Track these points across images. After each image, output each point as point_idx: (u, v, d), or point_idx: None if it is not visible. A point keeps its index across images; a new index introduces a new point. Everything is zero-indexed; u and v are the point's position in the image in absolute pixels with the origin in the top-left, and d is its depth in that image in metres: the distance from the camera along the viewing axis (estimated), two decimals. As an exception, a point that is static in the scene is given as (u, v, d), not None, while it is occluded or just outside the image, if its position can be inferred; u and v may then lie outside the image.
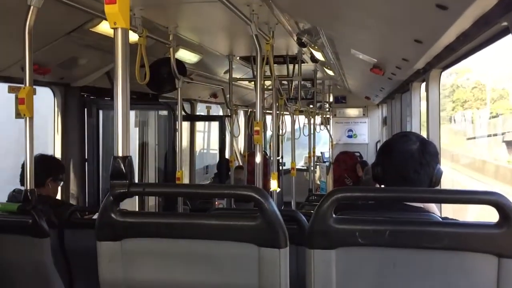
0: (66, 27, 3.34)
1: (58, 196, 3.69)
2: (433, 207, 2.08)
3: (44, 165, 3.22)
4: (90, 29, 3.38)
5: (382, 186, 2.04)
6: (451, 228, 1.51)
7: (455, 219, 1.91)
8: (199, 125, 8.50)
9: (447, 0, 1.90)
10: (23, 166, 2.53)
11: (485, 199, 1.53)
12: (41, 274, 2.28)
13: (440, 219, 1.84)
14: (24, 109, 2.39)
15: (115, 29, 1.57)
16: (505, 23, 1.80)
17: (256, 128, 3.42)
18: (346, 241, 1.53)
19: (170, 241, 1.59)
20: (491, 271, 1.46)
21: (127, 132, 1.63)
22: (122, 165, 1.59)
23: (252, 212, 1.57)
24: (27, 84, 2.39)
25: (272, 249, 1.53)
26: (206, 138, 9.99)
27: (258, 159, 3.42)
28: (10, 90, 3.64)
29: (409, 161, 1.90)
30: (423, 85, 4.08)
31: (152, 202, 5.46)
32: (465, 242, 1.47)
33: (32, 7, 2.35)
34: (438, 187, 2.01)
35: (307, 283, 1.58)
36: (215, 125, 7.40)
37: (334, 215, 1.55)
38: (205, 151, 9.73)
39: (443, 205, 3.26)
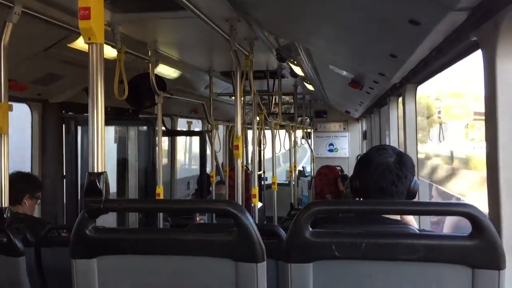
0: (43, 43, 3.32)
1: (36, 214, 3.63)
2: (411, 219, 2.10)
3: (21, 182, 3.17)
4: (68, 45, 3.37)
5: (361, 199, 2.06)
6: (425, 240, 1.53)
7: (432, 231, 1.93)
8: (180, 140, 8.48)
9: (419, 16, 1.95)
10: None
11: (458, 211, 1.55)
12: (16, 294, 2.23)
13: (417, 231, 1.86)
14: (-2, 125, 2.35)
15: (89, 44, 1.58)
16: (475, 38, 1.85)
17: (235, 143, 3.43)
18: (323, 254, 1.54)
19: (146, 258, 1.57)
20: (465, 282, 1.48)
21: (103, 148, 1.62)
22: (97, 181, 1.58)
23: (230, 227, 1.56)
24: (3, 101, 2.37)
25: (249, 263, 1.52)
26: (187, 153, 9.96)
27: (238, 174, 3.42)
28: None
29: (386, 174, 1.91)
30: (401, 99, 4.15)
31: (132, 219, 5.41)
32: (440, 254, 1.49)
33: (7, 23, 2.34)
34: (415, 199, 2.03)
35: None
36: (196, 140, 7.39)
37: (310, 229, 1.56)
38: (186, 166, 9.69)
39: (422, 217, 3.29)
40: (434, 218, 3.63)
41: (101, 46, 1.58)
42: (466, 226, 1.54)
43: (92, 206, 1.56)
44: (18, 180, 3.13)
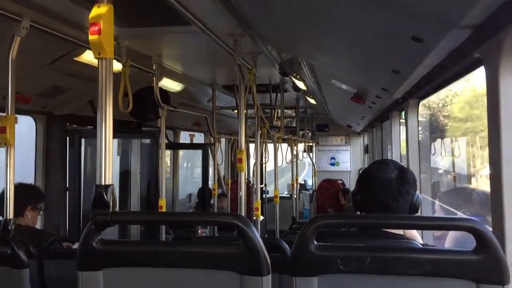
0: (50, 57, 3.35)
1: (38, 225, 3.63)
2: (413, 234, 2.11)
3: (23, 194, 3.17)
4: (74, 59, 3.40)
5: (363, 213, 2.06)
6: (430, 255, 1.53)
7: (435, 246, 1.93)
8: (183, 153, 8.49)
9: (422, 33, 1.98)
10: (2, 195, 2.50)
11: (462, 226, 1.56)
12: (19, 306, 2.23)
13: (421, 246, 1.87)
14: (5, 137, 2.38)
15: (99, 59, 1.60)
16: (478, 55, 1.87)
17: (239, 156, 3.45)
18: (328, 268, 1.54)
19: (152, 270, 1.58)
20: None
21: (110, 160, 1.63)
22: (104, 193, 1.59)
23: (235, 240, 1.57)
24: (9, 113, 2.39)
25: (254, 277, 1.53)
26: (189, 166, 9.97)
27: (241, 187, 3.43)
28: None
29: (388, 190, 1.91)
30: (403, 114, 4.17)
31: (134, 231, 5.40)
32: (444, 269, 1.50)
33: (15, 37, 2.38)
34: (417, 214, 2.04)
35: None
36: (198, 153, 7.40)
37: (316, 242, 1.57)
38: (188, 179, 9.69)
39: (425, 232, 3.30)
40: (437, 233, 3.63)
41: (111, 60, 1.61)
42: (467, 240, 1.54)
43: (99, 219, 1.57)
44: (20, 192, 3.13)
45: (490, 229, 1.64)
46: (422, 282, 1.50)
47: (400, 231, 1.94)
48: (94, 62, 1.66)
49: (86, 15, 1.63)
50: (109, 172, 1.61)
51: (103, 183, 1.60)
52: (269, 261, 1.54)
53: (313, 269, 1.54)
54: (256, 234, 1.55)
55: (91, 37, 1.55)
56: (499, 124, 1.68)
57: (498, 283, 1.46)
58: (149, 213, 3.53)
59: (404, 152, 4.38)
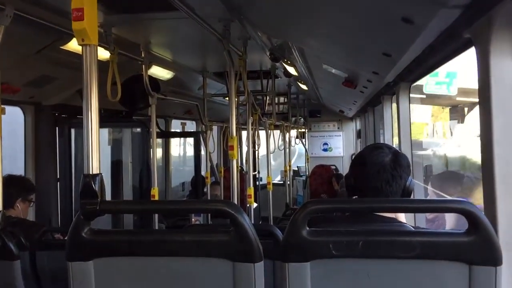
0: (35, 45, 3.30)
1: (30, 217, 3.61)
2: (403, 218, 2.10)
3: (13, 186, 3.15)
4: (61, 47, 3.35)
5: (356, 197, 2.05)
6: (422, 237, 1.53)
7: (427, 228, 1.94)
8: (175, 141, 8.45)
9: (412, 14, 1.95)
10: None
11: (454, 208, 1.56)
12: (11, 298, 2.21)
13: (413, 229, 1.87)
14: (-9, 129, 2.34)
15: (83, 45, 1.57)
16: (468, 36, 1.85)
17: (230, 144, 3.43)
18: (320, 253, 1.53)
19: (143, 259, 1.57)
20: (462, 279, 1.48)
21: (98, 149, 1.61)
22: (92, 182, 1.57)
23: (227, 227, 1.56)
24: None
25: (246, 263, 1.52)
26: (182, 155, 9.94)
27: (233, 174, 3.42)
28: (-23, 110, 3.56)
29: (381, 173, 1.90)
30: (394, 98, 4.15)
31: (127, 221, 5.38)
32: (437, 251, 1.50)
33: None
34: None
35: None
36: (190, 141, 7.37)
37: (307, 228, 1.56)
38: (181, 167, 9.67)
39: (418, 214, 3.30)
40: (430, 216, 3.65)
41: (95, 47, 1.58)
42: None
43: (88, 208, 1.55)
44: (9, 184, 3.11)
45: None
46: (415, 265, 1.50)
47: (393, 215, 1.94)
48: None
49: (70, 2, 1.59)
50: (96, 161, 1.59)
51: (91, 173, 1.58)
52: (261, 248, 1.54)
53: (305, 255, 1.54)
54: (247, 220, 1.54)
55: (74, 23, 1.52)
56: (490, 105, 1.66)
57: (490, 264, 1.46)
58: (137, 202, 3.52)
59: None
